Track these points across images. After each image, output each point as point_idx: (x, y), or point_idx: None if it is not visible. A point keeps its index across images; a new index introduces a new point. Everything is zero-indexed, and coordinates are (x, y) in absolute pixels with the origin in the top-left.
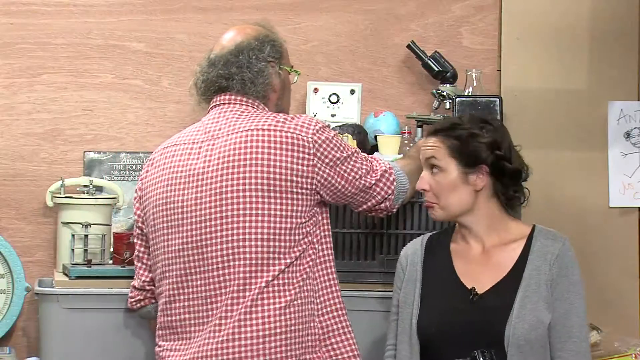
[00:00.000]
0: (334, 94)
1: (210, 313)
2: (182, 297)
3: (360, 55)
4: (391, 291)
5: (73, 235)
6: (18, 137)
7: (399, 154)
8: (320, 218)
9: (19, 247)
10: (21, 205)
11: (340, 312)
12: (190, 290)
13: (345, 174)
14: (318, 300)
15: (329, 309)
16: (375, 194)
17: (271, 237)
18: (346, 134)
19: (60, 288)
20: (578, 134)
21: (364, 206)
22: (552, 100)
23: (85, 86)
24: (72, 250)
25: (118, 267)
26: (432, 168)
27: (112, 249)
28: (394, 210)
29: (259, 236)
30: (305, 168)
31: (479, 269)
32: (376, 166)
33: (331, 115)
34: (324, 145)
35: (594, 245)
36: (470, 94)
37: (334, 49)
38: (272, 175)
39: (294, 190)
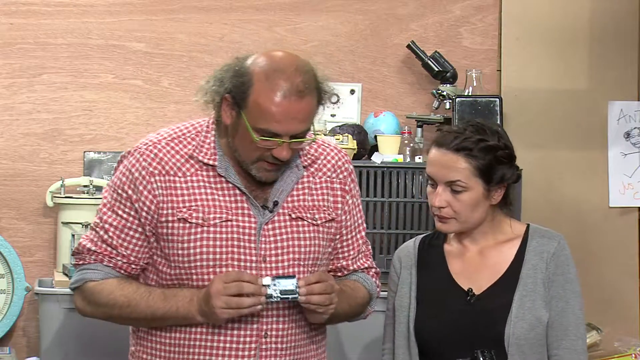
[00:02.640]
0: (334, 94)
1: None
2: None
3: (360, 55)
4: None
5: (73, 235)
6: (18, 137)
7: (399, 153)
8: None
9: (19, 247)
10: (21, 205)
11: None
12: None
13: None
14: None
15: None
16: None
17: None
18: (346, 134)
19: (60, 288)
20: (578, 134)
21: None
22: (552, 100)
23: (85, 86)
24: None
25: None
26: (451, 186)
27: None
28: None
29: None
30: None
31: (474, 269)
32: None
33: (331, 115)
34: None
35: (594, 245)
36: (470, 94)
37: (334, 49)
38: None
39: None
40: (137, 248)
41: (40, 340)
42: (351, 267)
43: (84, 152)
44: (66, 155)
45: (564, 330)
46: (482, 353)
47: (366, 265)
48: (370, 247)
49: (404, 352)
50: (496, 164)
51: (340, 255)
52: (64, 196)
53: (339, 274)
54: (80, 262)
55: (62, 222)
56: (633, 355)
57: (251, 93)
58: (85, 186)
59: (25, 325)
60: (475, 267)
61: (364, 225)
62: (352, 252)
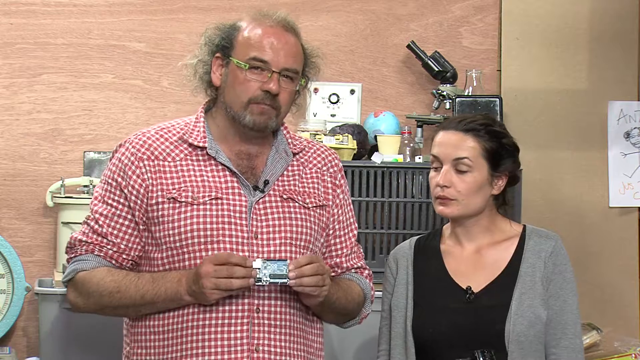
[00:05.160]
0: (334, 94)
1: None
2: None
3: (360, 55)
4: None
5: None
6: (18, 137)
7: (399, 153)
8: None
9: (19, 247)
10: (21, 205)
11: None
12: None
13: None
14: None
15: None
16: None
17: None
18: (346, 134)
19: (60, 288)
20: (578, 134)
21: None
22: (552, 100)
23: (85, 86)
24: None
25: None
26: (457, 165)
27: None
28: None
29: None
30: None
31: (472, 268)
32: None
33: (331, 115)
34: None
35: (594, 245)
36: (470, 94)
37: (334, 49)
38: None
39: None
40: (127, 236)
41: (40, 340)
42: (344, 265)
43: (84, 152)
44: (66, 155)
45: (563, 329)
46: (482, 353)
47: (359, 265)
48: (361, 248)
49: (400, 352)
50: (501, 150)
51: (334, 253)
52: (64, 196)
53: (333, 272)
54: (72, 255)
55: (62, 222)
56: (633, 355)
57: (238, 34)
58: (85, 186)
59: (25, 325)
60: (472, 265)
61: (356, 224)
62: (345, 250)
